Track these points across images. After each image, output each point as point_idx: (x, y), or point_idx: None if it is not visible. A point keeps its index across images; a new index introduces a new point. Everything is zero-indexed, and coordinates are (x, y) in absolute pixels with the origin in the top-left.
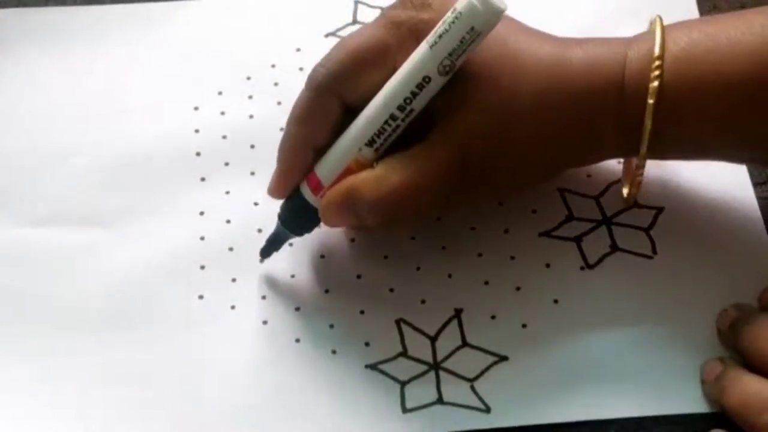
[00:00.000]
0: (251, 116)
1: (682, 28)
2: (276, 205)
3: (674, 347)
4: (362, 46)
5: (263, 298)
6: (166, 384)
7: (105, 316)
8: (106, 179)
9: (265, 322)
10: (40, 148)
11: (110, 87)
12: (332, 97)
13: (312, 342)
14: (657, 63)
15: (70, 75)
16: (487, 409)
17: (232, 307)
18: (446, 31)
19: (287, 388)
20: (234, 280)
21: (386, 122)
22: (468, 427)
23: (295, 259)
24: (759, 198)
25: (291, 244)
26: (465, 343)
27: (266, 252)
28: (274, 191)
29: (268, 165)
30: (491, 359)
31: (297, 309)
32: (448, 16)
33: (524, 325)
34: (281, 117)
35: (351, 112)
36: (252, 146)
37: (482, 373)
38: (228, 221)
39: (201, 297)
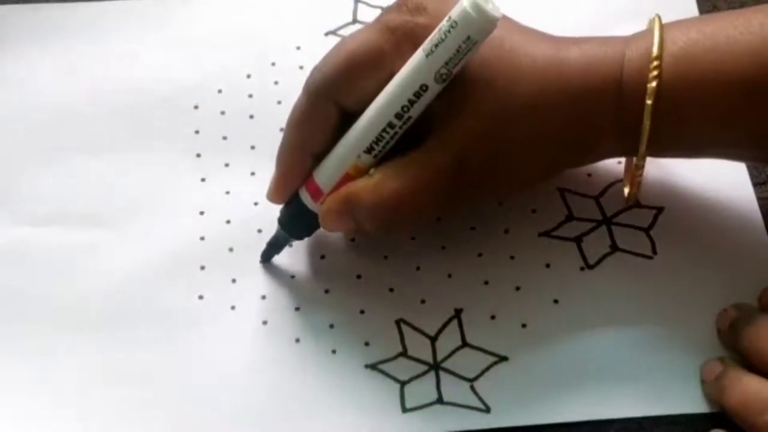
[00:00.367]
0: (251, 116)
1: (680, 27)
2: (276, 205)
3: (674, 347)
4: (358, 51)
5: (263, 298)
6: (166, 384)
7: (105, 316)
8: (106, 179)
9: (265, 322)
10: (40, 148)
11: (110, 86)
12: (329, 102)
13: (312, 342)
14: (655, 63)
15: (70, 73)
16: (487, 409)
17: (232, 308)
18: (442, 40)
19: (287, 388)
20: (234, 280)
21: (384, 130)
22: (468, 427)
23: (295, 259)
24: (759, 198)
25: (291, 245)
26: (465, 343)
27: (267, 256)
28: (272, 196)
29: (268, 165)
30: (491, 359)
31: (297, 309)
32: (444, 24)
33: (524, 325)
34: (281, 116)
35: (349, 116)
36: (252, 146)
37: (482, 373)
38: (228, 221)
39: (201, 297)
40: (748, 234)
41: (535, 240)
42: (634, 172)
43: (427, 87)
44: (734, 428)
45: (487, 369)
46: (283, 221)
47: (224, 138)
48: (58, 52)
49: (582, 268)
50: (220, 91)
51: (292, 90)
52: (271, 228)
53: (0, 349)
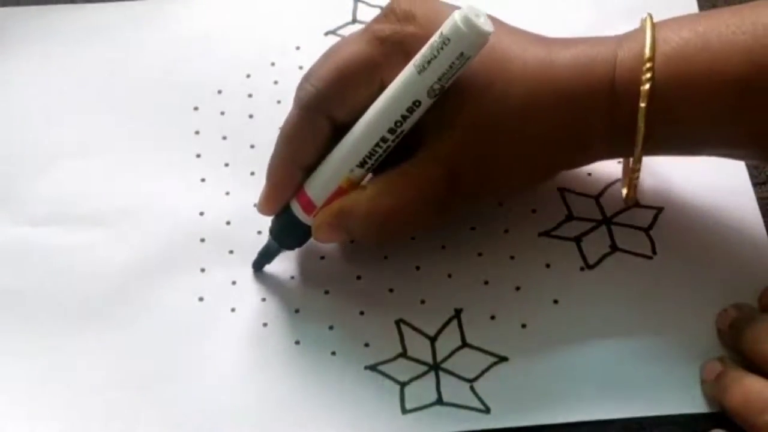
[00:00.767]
0: (251, 116)
1: (672, 26)
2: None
3: (674, 347)
4: (348, 62)
5: (263, 300)
6: (166, 385)
7: (105, 317)
8: (106, 179)
9: (265, 324)
10: (40, 148)
11: (110, 86)
12: (320, 115)
13: (312, 343)
14: (648, 65)
15: (70, 73)
16: (487, 410)
17: (232, 310)
18: (434, 56)
19: (287, 390)
20: (234, 282)
21: (377, 144)
22: (468, 428)
23: (294, 260)
24: (759, 198)
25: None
26: (465, 344)
27: (258, 265)
28: (263, 208)
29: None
30: (491, 359)
31: (297, 311)
32: (435, 40)
33: (524, 326)
34: (281, 116)
35: (340, 128)
36: (252, 146)
37: (482, 373)
38: (228, 222)
39: (201, 299)
40: (748, 234)
41: (535, 240)
42: (631, 174)
43: (420, 102)
44: (734, 428)
45: (487, 369)
46: (274, 232)
47: (224, 138)
48: (59, 52)
49: (582, 268)
50: (219, 92)
51: (291, 90)
52: None
53: (0, 348)
